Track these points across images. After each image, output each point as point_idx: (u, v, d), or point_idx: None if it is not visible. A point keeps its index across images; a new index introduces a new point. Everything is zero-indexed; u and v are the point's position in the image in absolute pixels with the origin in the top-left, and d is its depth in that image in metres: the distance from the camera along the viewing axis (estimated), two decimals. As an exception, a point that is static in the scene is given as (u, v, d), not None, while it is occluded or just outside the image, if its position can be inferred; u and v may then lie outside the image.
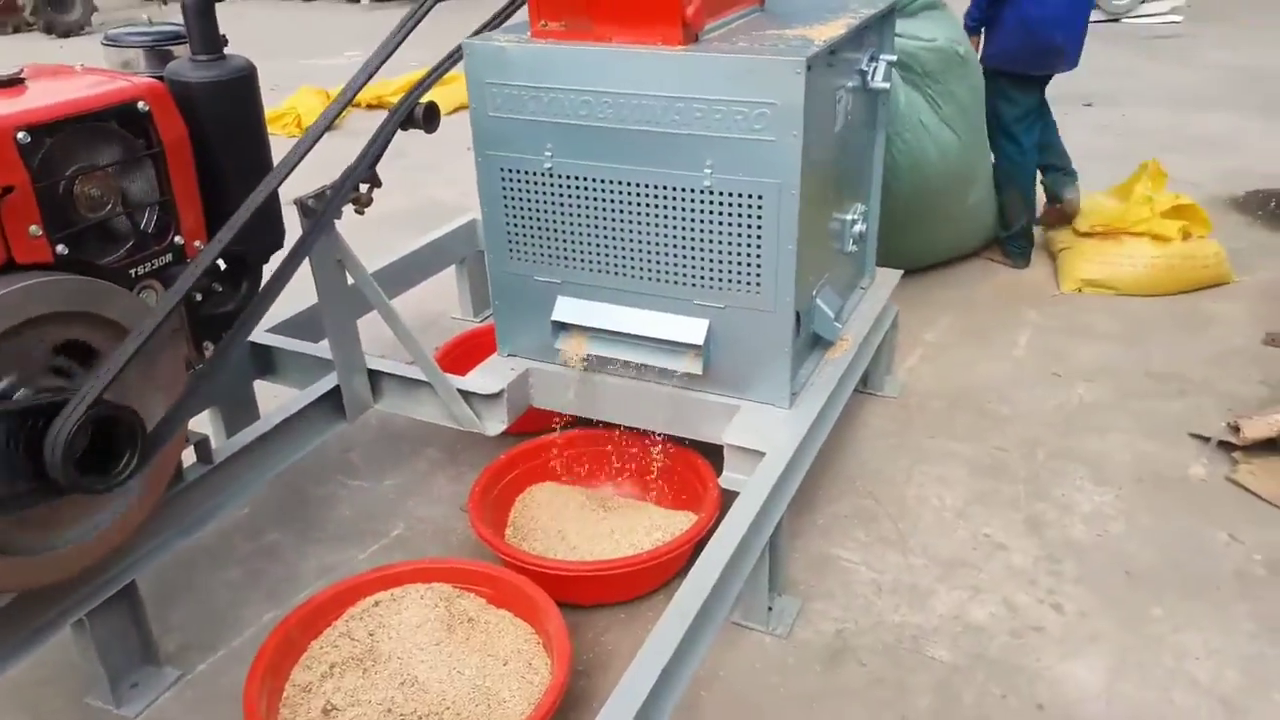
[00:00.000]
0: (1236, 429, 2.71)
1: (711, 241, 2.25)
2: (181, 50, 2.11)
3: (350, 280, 2.38)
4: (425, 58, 2.33)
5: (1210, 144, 5.43)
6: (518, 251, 2.48)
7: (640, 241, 2.32)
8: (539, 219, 2.41)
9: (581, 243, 2.39)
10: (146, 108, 1.84)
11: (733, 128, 2.12)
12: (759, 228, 2.19)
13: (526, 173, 2.38)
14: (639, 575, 2.19)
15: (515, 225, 2.45)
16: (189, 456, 2.16)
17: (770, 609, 2.21)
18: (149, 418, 1.76)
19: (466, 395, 2.46)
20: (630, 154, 2.24)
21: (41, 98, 1.74)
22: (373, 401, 2.60)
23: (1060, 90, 6.47)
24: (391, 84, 6.63)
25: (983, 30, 3.75)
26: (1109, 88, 6.60)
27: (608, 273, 2.40)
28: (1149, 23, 8.77)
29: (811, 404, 2.39)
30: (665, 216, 2.27)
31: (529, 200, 2.40)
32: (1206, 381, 3.12)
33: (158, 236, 1.91)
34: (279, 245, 2.23)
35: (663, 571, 2.27)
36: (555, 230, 2.41)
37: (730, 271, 2.27)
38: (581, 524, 2.44)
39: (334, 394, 2.51)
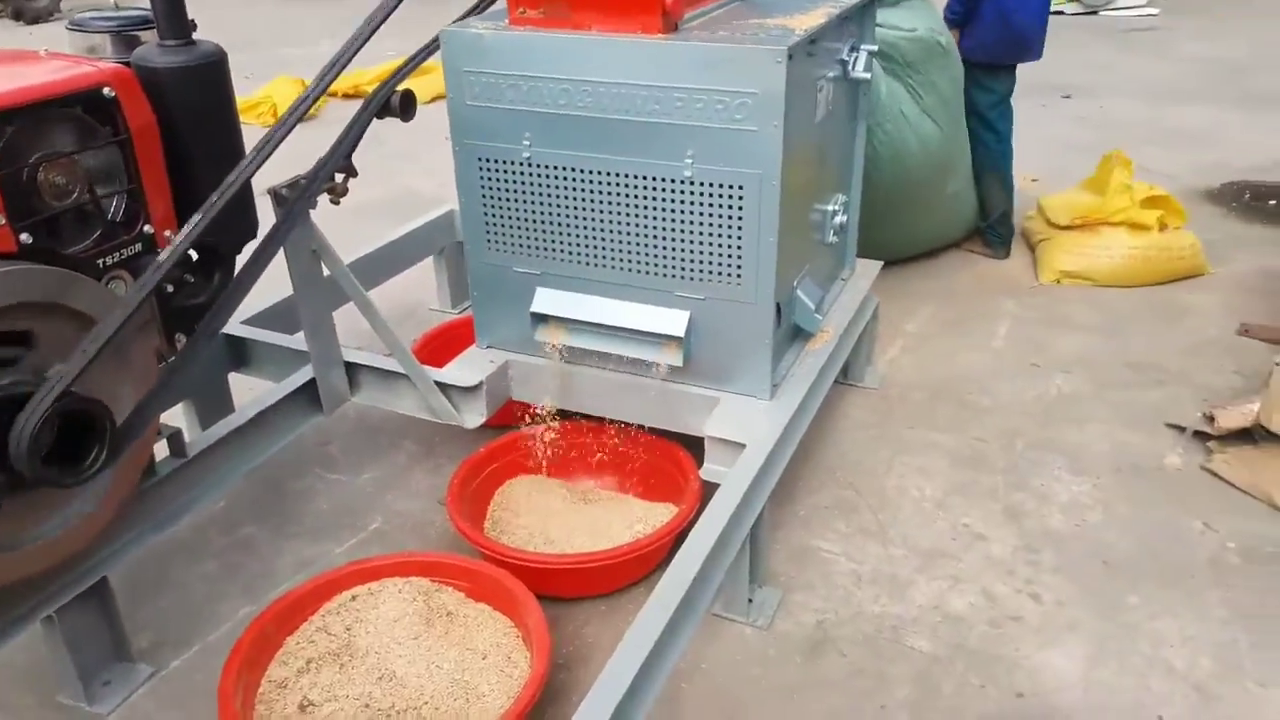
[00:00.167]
0: (1212, 419, 2.73)
1: (692, 232, 2.24)
2: (149, 35, 2.06)
3: (326, 271, 2.35)
4: (403, 47, 2.30)
5: (1186, 136, 5.47)
6: (496, 242, 2.46)
7: (620, 232, 2.31)
8: (518, 209, 2.39)
9: (561, 233, 2.37)
10: (113, 93, 1.80)
11: (713, 117, 2.11)
12: (739, 218, 2.18)
13: (505, 162, 2.35)
14: (619, 568, 2.18)
15: (493, 215, 2.43)
16: (162, 450, 2.12)
17: (751, 600, 2.21)
18: (119, 411, 1.73)
19: (444, 388, 2.43)
20: (610, 143, 2.22)
21: (3, 83, 1.70)
22: (350, 394, 2.57)
23: (1039, 82, 6.52)
24: (368, 73, 6.56)
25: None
26: (1087, 80, 6.64)
27: (587, 264, 2.38)
28: (1126, 15, 8.82)
29: (792, 396, 2.38)
30: (645, 207, 2.25)
31: (507, 190, 2.38)
32: (1183, 372, 3.15)
33: (126, 226, 1.88)
34: (252, 235, 2.20)
35: (643, 564, 2.26)
36: (534, 221, 2.38)
37: (711, 263, 2.25)
38: (561, 517, 2.42)
39: (310, 386, 2.47)
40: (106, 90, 1.79)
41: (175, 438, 2.11)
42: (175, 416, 2.58)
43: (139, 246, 1.90)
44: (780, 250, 2.21)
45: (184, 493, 2.16)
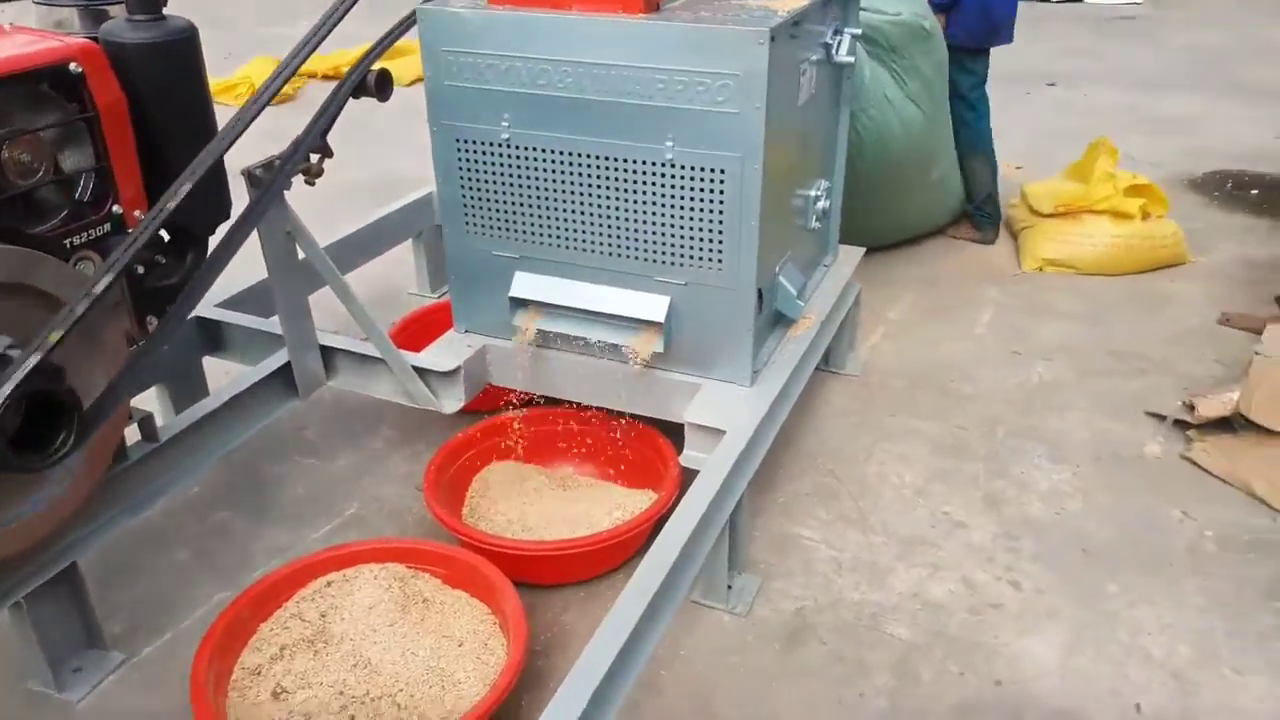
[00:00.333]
0: (1192, 408, 2.74)
1: (672, 216, 2.21)
2: (119, 11, 2.01)
3: (301, 254, 2.32)
4: (382, 31, 2.25)
5: (1170, 125, 5.48)
6: (474, 225, 2.42)
7: (600, 216, 2.28)
8: (496, 192, 2.36)
9: (540, 216, 2.34)
10: (80, 69, 1.75)
11: (694, 99, 2.08)
12: (721, 202, 2.16)
13: (483, 143, 2.32)
14: (597, 555, 2.16)
15: (472, 198, 2.39)
16: (134, 435, 2.09)
17: (730, 587, 2.19)
18: (88, 394, 1.69)
19: (422, 372, 2.41)
20: (590, 125, 2.19)
21: (-33, 57, 1.65)
22: (326, 378, 2.54)
23: (1024, 71, 6.52)
24: (348, 54, 6.47)
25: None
26: (1072, 68, 6.64)
27: (567, 247, 2.35)
28: (1111, 3, 8.82)
29: (773, 382, 2.36)
30: (625, 190, 2.22)
31: (486, 172, 2.34)
32: (1164, 360, 3.15)
33: (95, 205, 1.84)
34: (225, 216, 2.16)
35: (622, 550, 2.24)
36: (513, 203, 2.35)
37: (692, 247, 2.23)
38: (540, 503, 2.40)
39: (285, 370, 2.44)
40: (73, 66, 1.75)
41: (147, 421, 2.08)
42: (149, 400, 2.54)
43: (108, 227, 1.86)
44: (762, 235, 2.19)
45: (156, 477, 2.13)
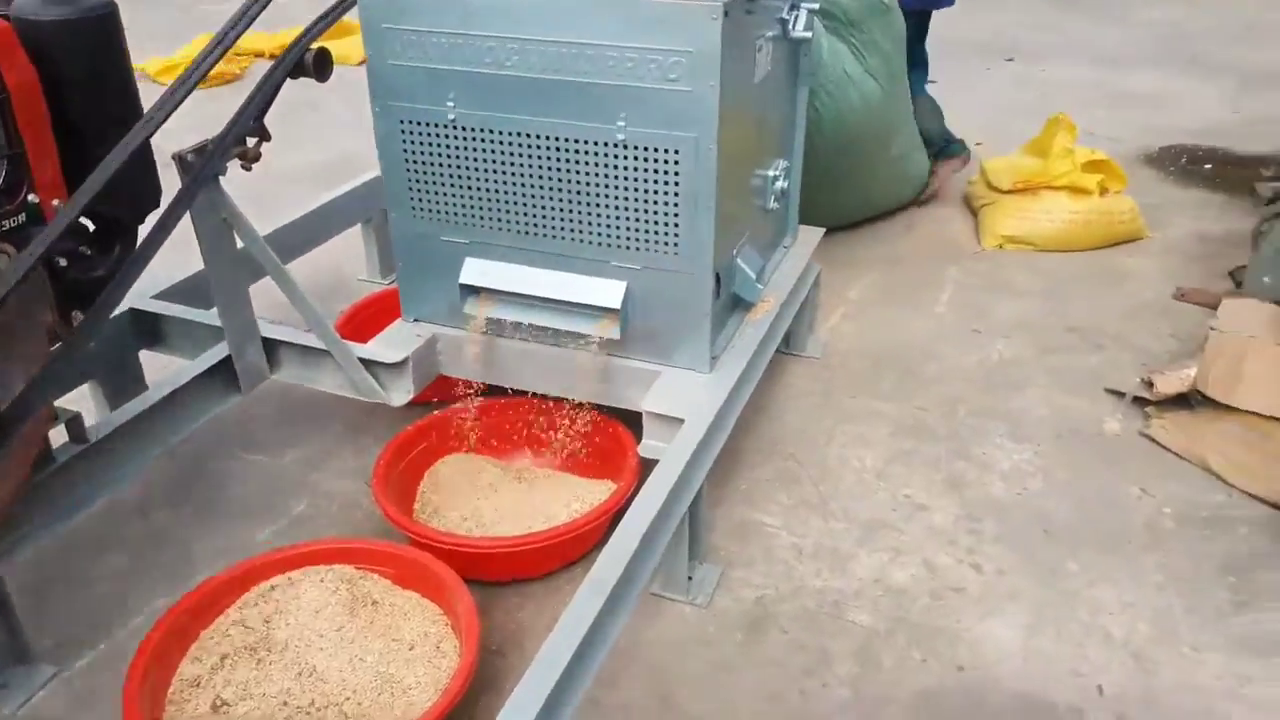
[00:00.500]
0: (1150, 384, 2.74)
1: (626, 199, 2.15)
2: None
3: (240, 243, 2.22)
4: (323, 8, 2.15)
5: (1128, 100, 5.49)
6: (421, 210, 2.34)
7: (552, 199, 2.21)
8: (443, 175, 2.27)
9: (489, 200, 2.26)
10: (-13, 49, 1.64)
11: (646, 77, 2.01)
12: (675, 184, 2.09)
13: (428, 125, 2.23)
14: (553, 549, 2.10)
15: (418, 182, 2.31)
16: (61, 436, 1.99)
17: (690, 578, 2.15)
18: (5, 395, 1.60)
19: (369, 364, 2.32)
20: (539, 105, 2.12)
21: None
22: (269, 372, 2.45)
23: (983, 45, 6.51)
24: (297, 31, 6.29)
25: None
26: (1031, 43, 6.63)
27: (518, 232, 2.28)
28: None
29: (732, 368, 2.31)
30: (577, 172, 2.15)
31: (432, 155, 2.26)
32: (1121, 336, 3.15)
33: (8, 194, 1.72)
34: (155, 205, 2.05)
35: (579, 544, 2.18)
36: (461, 187, 2.27)
37: (646, 231, 2.17)
38: (495, 497, 2.34)
39: (226, 364, 2.34)
40: (-21, 45, 1.64)
41: (74, 422, 1.98)
42: (83, 399, 2.43)
43: (23, 217, 1.75)
44: (719, 218, 2.13)
45: (87, 480, 2.03)
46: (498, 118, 2.16)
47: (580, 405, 2.41)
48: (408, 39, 2.17)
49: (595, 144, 2.10)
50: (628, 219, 2.16)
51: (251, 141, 2.17)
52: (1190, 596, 2.13)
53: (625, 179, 2.12)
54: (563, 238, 2.24)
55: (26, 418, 1.62)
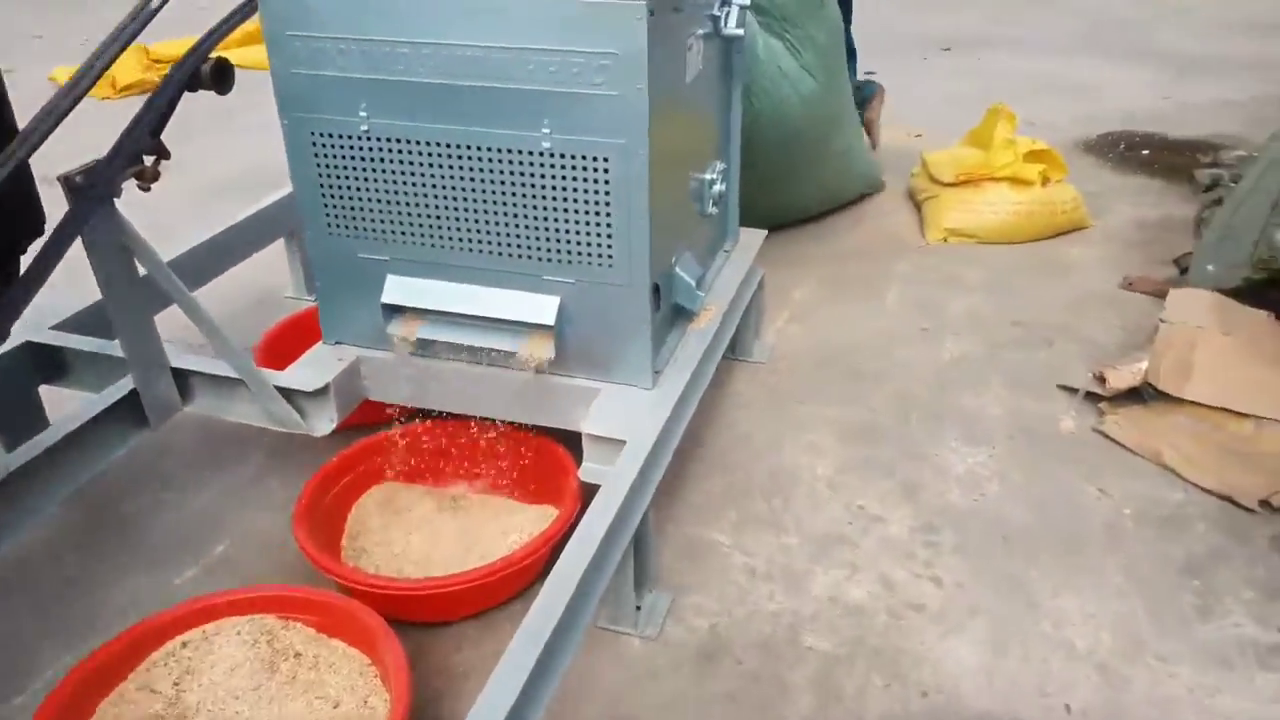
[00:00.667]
0: (1102, 380, 2.69)
1: (555, 210, 2.03)
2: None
3: (143, 269, 2.06)
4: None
5: (1068, 88, 5.50)
6: (337, 226, 2.19)
7: (476, 211, 2.08)
8: (359, 188, 2.13)
9: (409, 214, 2.12)
10: None
11: (569, 81, 1.89)
12: (606, 194, 1.98)
13: (340, 136, 2.09)
14: (489, 588, 1.97)
15: (333, 196, 2.16)
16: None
17: (639, 608, 2.04)
18: None
19: (287, 393, 2.17)
20: (457, 113, 1.99)
21: None
22: (181, 404, 2.29)
23: (920, 35, 6.49)
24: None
25: None
26: (968, 32, 6.63)
27: (443, 247, 2.14)
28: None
29: (675, 382, 2.20)
30: (502, 183, 2.03)
31: (346, 167, 2.11)
32: (1070, 328, 3.11)
33: None
34: (38, 233, 1.89)
35: (518, 579, 2.06)
36: (379, 200, 2.13)
37: (579, 243, 2.05)
38: (429, 529, 2.20)
39: (135, 397, 2.18)
40: None
41: (-42, 472, 1.81)
42: (-24, 441, 2.24)
43: (-119, 253, 1.58)
44: (654, 226, 2.02)
45: (-20, 533, 1.86)
46: (413, 127, 2.02)
47: (517, 426, 2.28)
48: (314, 46, 2.02)
49: (519, 153, 1.98)
50: (558, 231, 2.04)
51: (150, 160, 2.02)
52: (1154, 602, 2.07)
53: (553, 189, 2.00)
54: (490, 252, 2.11)
55: (-111, 479, 1.45)
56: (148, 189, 2.02)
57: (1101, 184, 4.21)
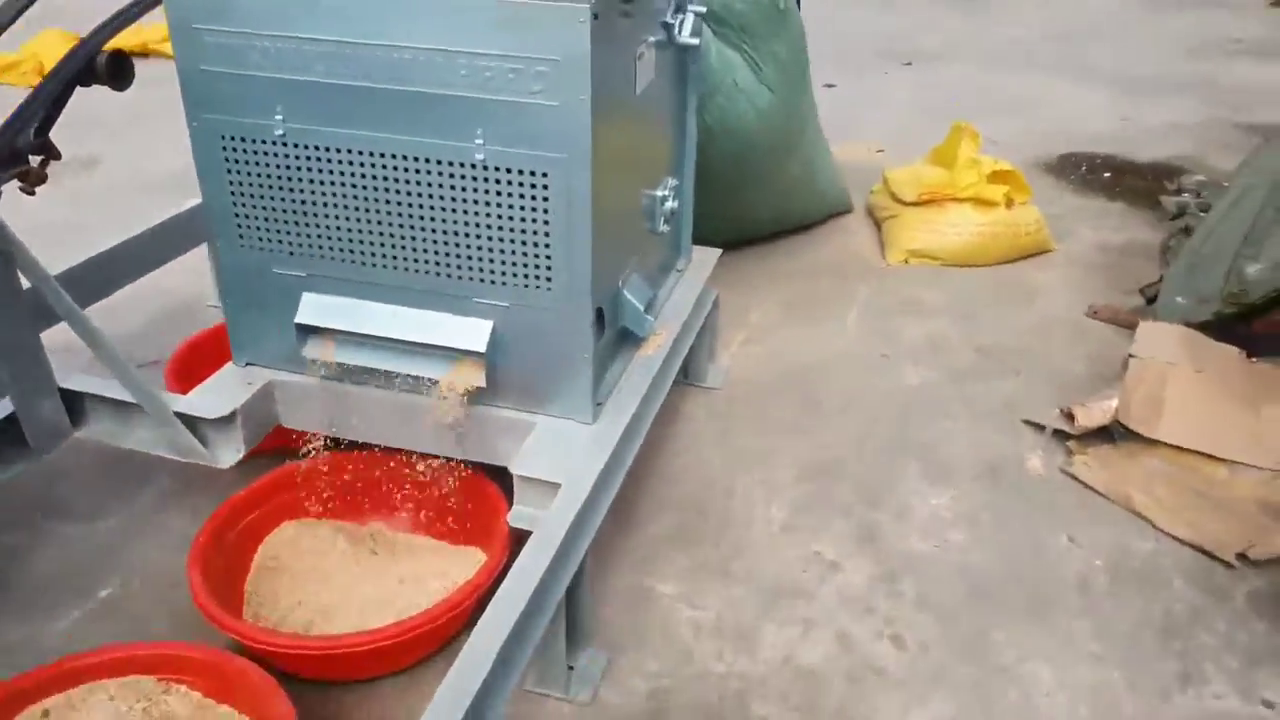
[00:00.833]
0: (1071, 417, 2.56)
1: (489, 227, 1.84)
2: None
3: (26, 281, 1.85)
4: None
5: (1026, 106, 5.41)
6: (249, 238, 1.98)
7: (402, 226, 1.88)
8: (273, 199, 1.93)
9: (328, 228, 1.92)
10: None
11: (505, 89, 1.70)
12: (545, 211, 1.79)
13: (254, 141, 1.88)
14: (406, 646, 1.77)
15: (245, 206, 1.95)
16: None
17: (571, 669, 1.85)
18: None
19: (190, 420, 1.96)
20: (383, 119, 1.79)
21: None
22: (71, 428, 2.06)
23: (881, 50, 6.38)
24: (163, 28, 5.76)
25: None
26: (929, 47, 6.54)
27: (364, 264, 1.94)
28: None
29: (619, 417, 2.02)
30: (430, 196, 1.84)
31: (259, 176, 1.91)
32: (1036, 357, 2.98)
33: None
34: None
35: (440, 634, 1.86)
36: (294, 212, 1.93)
37: (514, 263, 1.86)
38: (344, 572, 2.00)
39: (15, 422, 1.96)
40: None
41: None
42: None
43: None
44: (598, 246, 1.84)
45: None
46: (334, 133, 1.82)
47: (443, 460, 2.09)
48: (224, 42, 1.81)
49: (449, 164, 1.79)
50: (492, 250, 1.86)
51: (36, 160, 1.81)
52: (1131, 666, 1.93)
53: (487, 205, 1.81)
54: (417, 271, 1.92)
55: None
56: (32, 193, 1.81)
57: (1063, 206, 4.11)
